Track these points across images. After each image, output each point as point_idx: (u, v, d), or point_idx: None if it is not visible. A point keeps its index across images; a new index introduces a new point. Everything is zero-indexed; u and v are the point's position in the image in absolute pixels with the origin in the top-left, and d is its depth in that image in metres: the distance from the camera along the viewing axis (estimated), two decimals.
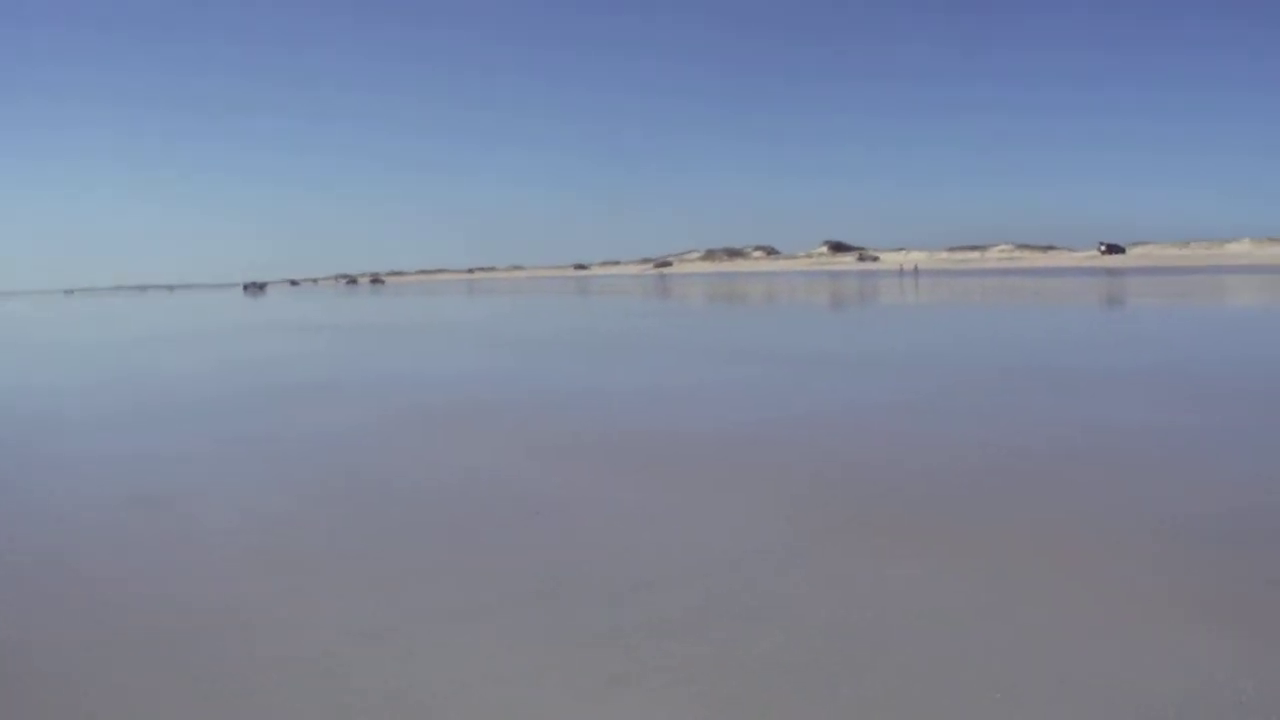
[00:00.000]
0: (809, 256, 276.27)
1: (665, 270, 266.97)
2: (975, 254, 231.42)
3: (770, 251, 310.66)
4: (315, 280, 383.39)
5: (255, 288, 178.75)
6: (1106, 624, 5.16)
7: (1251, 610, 5.35)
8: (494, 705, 4.37)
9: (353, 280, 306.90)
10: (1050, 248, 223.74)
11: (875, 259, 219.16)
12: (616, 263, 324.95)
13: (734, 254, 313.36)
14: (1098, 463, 9.29)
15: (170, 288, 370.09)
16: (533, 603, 5.76)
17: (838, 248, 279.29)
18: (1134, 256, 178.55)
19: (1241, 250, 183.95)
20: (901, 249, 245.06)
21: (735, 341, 27.99)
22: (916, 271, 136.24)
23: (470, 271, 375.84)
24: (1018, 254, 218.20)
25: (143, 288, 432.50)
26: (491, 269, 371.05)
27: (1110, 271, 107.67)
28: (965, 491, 8.32)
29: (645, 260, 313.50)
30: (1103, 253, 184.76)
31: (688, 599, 5.73)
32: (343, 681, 4.68)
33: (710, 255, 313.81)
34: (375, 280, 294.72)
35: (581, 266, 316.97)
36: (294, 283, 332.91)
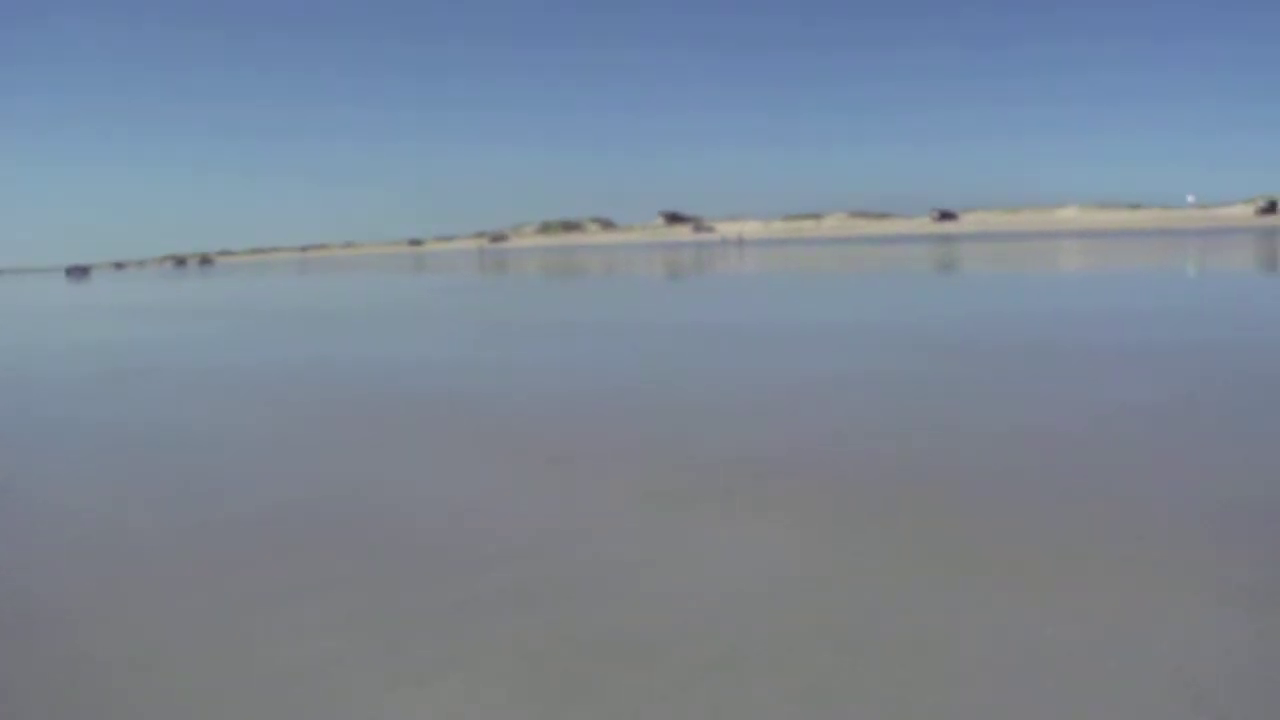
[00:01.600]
0: (645, 228, 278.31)
1: (500, 244, 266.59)
2: (811, 223, 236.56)
3: (606, 224, 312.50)
4: (141, 263, 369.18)
5: (79, 271, 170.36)
6: None
7: None
8: None
9: (181, 261, 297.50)
10: (886, 215, 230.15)
11: (711, 229, 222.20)
12: (451, 238, 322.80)
13: (570, 227, 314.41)
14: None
15: None
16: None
17: (674, 218, 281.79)
18: (967, 222, 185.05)
19: (1070, 215, 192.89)
20: (737, 219, 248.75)
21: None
22: (741, 241, 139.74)
23: (304, 250, 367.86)
24: (853, 222, 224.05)
25: None
26: (325, 247, 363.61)
27: (944, 238, 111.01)
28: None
29: (480, 234, 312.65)
30: (936, 220, 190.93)
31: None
32: None
33: (546, 228, 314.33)
34: (205, 261, 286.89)
35: (416, 243, 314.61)
36: (119, 265, 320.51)
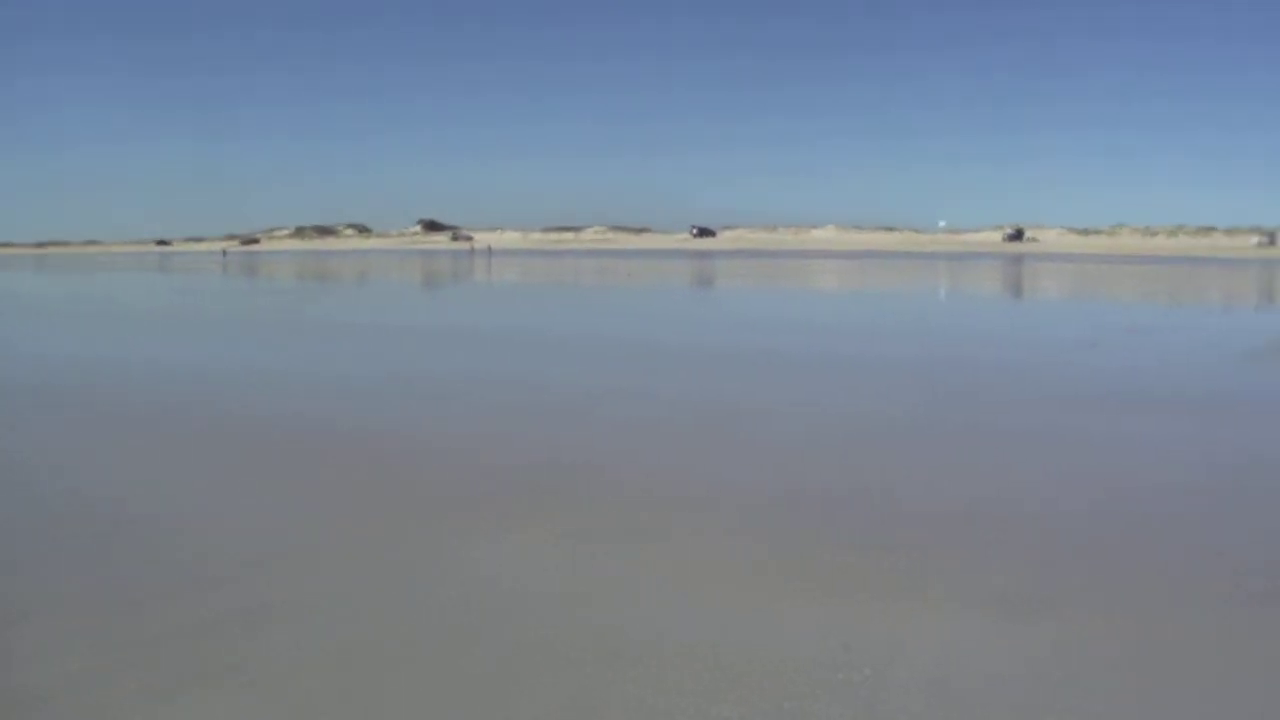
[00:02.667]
0: (402, 235, 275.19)
1: (250, 247, 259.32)
2: (570, 234, 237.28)
3: (363, 229, 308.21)
4: None
5: None
6: None
7: None
8: None
9: None
10: (645, 230, 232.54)
11: (470, 238, 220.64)
12: (201, 239, 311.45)
13: (325, 231, 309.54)
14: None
15: None
16: None
17: (432, 226, 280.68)
18: (725, 239, 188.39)
19: (826, 235, 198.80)
20: (497, 229, 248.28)
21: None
22: (489, 251, 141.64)
23: (41, 246, 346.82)
24: (611, 235, 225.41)
25: None
26: (65, 244, 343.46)
27: (700, 253, 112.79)
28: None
29: (232, 237, 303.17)
30: (695, 235, 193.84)
31: None
32: None
33: (300, 233, 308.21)
34: None
35: (164, 242, 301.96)
36: None
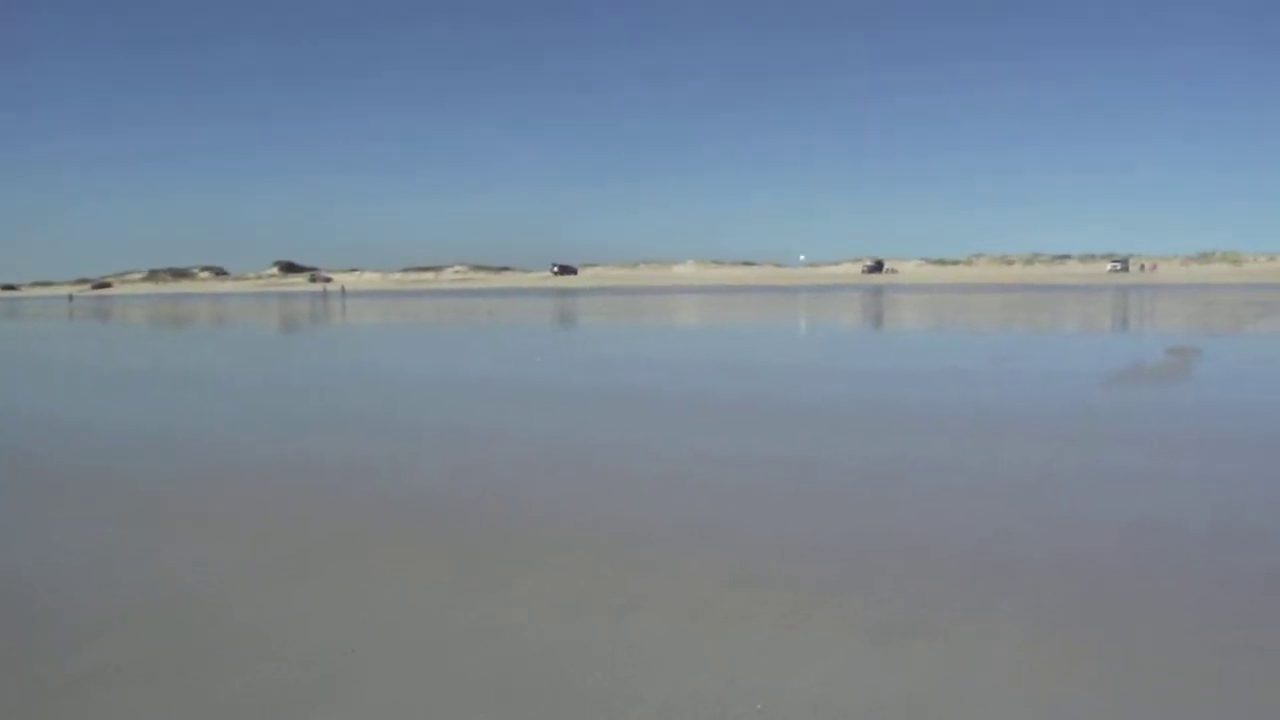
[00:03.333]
0: (260, 277, 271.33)
1: (103, 291, 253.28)
2: (430, 275, 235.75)
3: (219, 272, 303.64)
4: None
5: None
6: None
7: None
8: None
9: None
10: (505, 269, 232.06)
11: (329, 280, 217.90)
12: (50, 283, 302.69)
13: (180, 274, 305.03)
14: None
15: None
16: None
17: (290, 268, 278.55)
18: (586, 276, 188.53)
19: (687, 271, 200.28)
20: (356, 270, 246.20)
21: None
22: (343, 292, 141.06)
23: None
24: (472, 275, 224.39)
25: None
26: None
27: (560, 291, 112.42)
28: None
29: (83, 280, 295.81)
30: (555, 273, 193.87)
31: None
32: None
33: (154, 275, 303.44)
34: None
35: (10, 287, 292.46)
36: None
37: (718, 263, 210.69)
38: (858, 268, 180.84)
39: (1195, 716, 4.98)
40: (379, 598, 6.71)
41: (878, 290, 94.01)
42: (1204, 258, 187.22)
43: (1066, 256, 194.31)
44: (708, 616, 6.30)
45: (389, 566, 7.42)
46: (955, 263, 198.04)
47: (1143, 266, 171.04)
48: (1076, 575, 7.25)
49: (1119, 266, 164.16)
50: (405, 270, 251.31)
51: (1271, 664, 5.56)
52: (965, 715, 5.00)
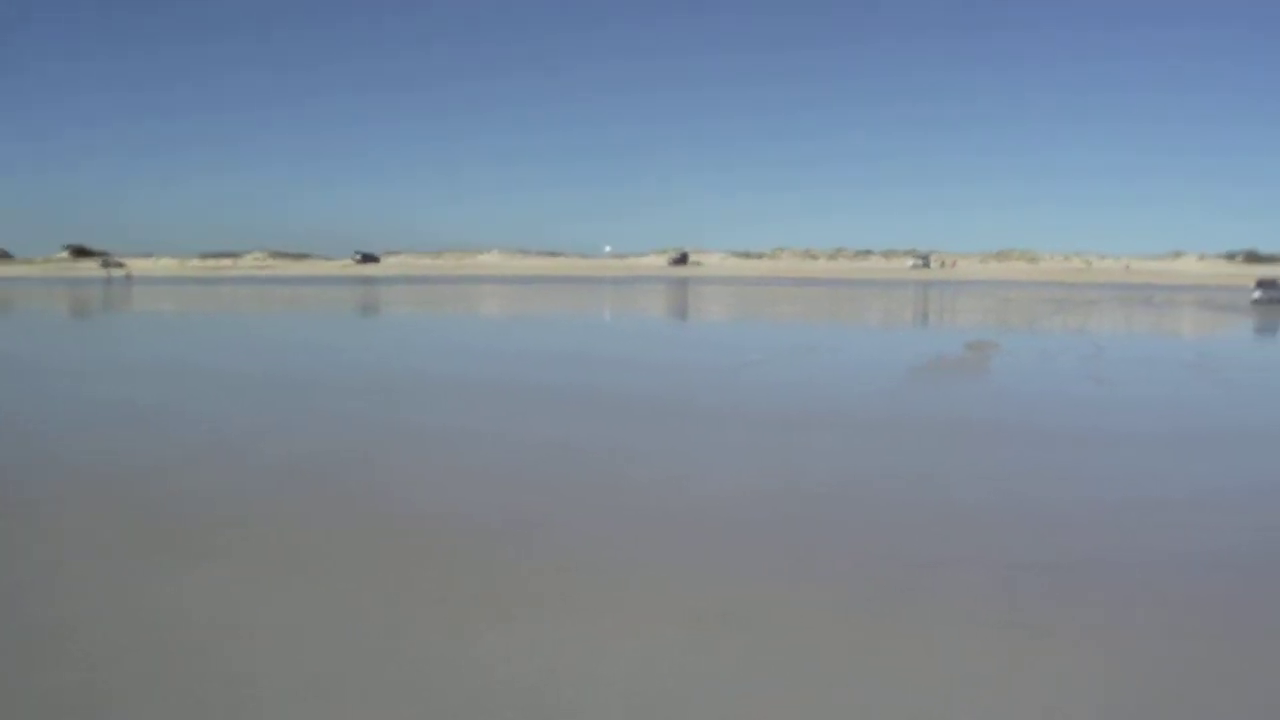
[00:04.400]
0: (48, 261, 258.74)
1: None
2: (229, 261, 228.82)
3: (3, 255, 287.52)
4: None
5: None
6: None
7: None
8: None
9: None
10: (306, 256, 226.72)
11: (121, 265, 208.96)
12: None
13: None
14: None
15: None
16: None
17: (81, 252, 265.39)
18: (389, 265, 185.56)
19: (491, 261, 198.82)
20: (152, 255, 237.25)
21: None
22: (129, 279, 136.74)
23: None
24: (272, 262, 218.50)
25: None
26: None
27: (362, 280, 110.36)
28: None
29: None
30: (358, 262, 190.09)
31: None
32: None
33: None
34: None
35: None
36: None
37: (524, 252, 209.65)
38: (663, 259, 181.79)
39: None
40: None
41: (682, 282, 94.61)
42: (1002, 255, 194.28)
43: (869, 252, 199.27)
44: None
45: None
46: (760, 256, 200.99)
47: (943, 263, 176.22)
48: (876, 557, 7.63)
49: (920, 263, 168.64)
50: (204, 256, 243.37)
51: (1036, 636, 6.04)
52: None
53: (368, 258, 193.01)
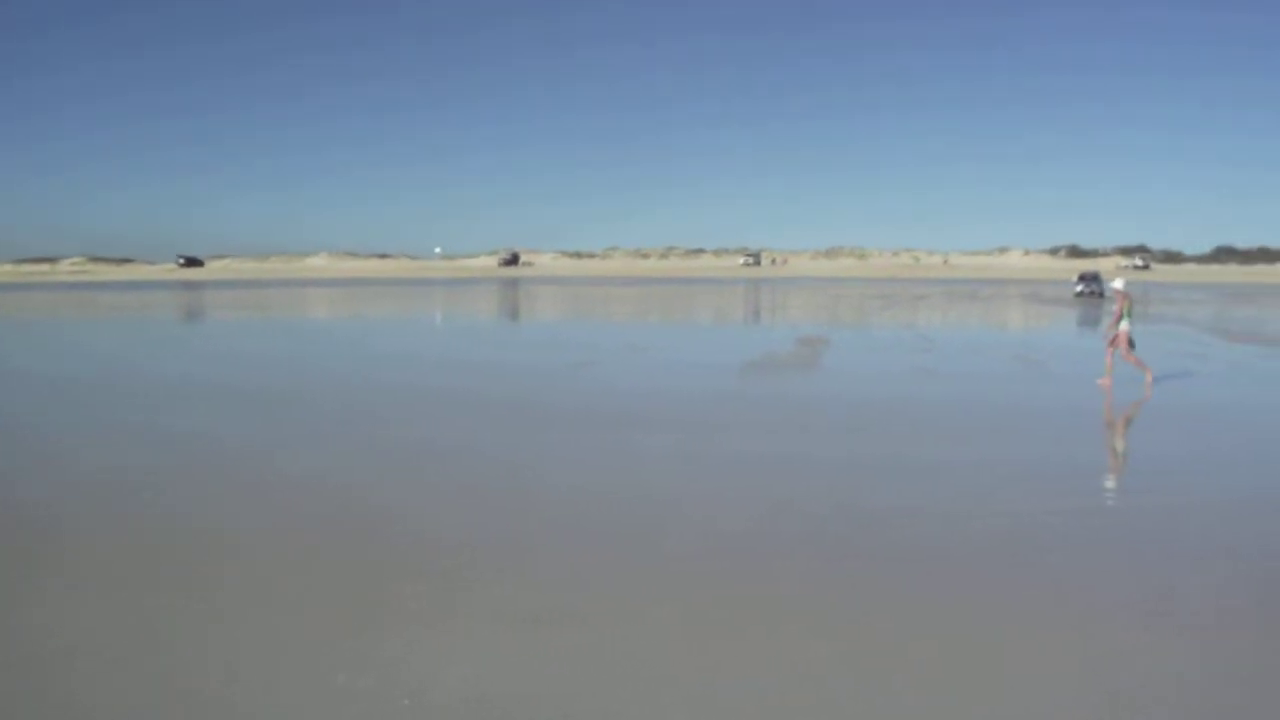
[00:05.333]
0: None
1: None
2: (46, 266, 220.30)
3: None
4: None
5: None
6: None
7: None
8: None
9: None
10: (128, 261, 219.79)
11: None
12: None
13: None
14: None
15: None
16: None
17: None
18: (215, 269, 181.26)
19: (320, 264, 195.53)
20: None
21: None
22: None
23: None
24: (92, 267, 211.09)
25: None
26: None
27: (187, 284, 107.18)
28: None
29: None
30: (182, 265, 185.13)
31: None
32: None
33: None
34: None
35: None
36: None
37: (353, 255, 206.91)
38: (494, 260, 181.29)
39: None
40: None
41: (513, 283, 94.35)
42: (832, 253, 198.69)
43: (701, 250, 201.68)
44: None
45: None
46: (592, 255, 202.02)
47: (774, 260, 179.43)
48: (710, 551, 7.57)
49: (751, 260, 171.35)
50: (18, 261, 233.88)
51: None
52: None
53: (192, 262, 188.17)
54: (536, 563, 7.46)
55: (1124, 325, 17.79)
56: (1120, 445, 13.14)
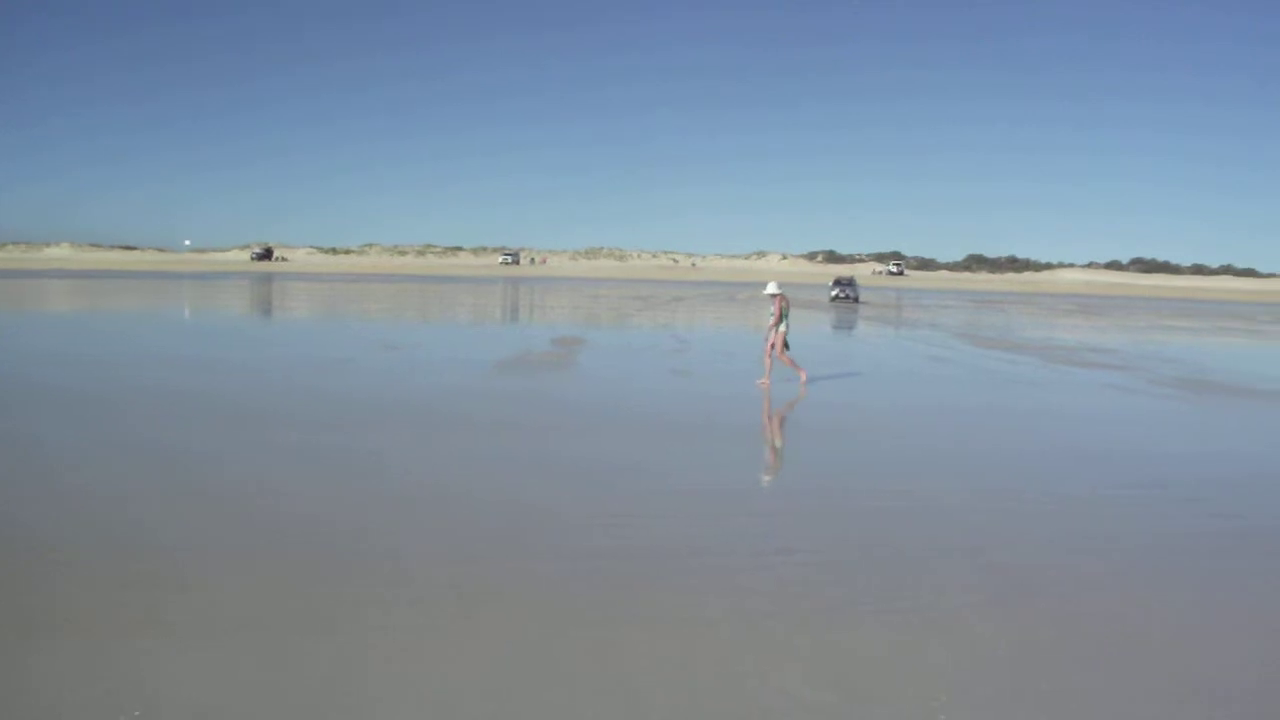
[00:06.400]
0: None
1: None
2: None
3: None
4: None
5: None
6: None
7: None
8: None
9: None
10: None
11: None
12: None
13: None
14: None
15: None
16: None
17: None
18: None
19: (61, 254, 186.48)
20: None
21: None
22: None
23: None
24: None
25: None
26: None
27: None
28: None
29: None
30: None
31: None
32: None
33: None
34: None
35: None
36: None
37: (95, 246, 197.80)
38: (246, 254, 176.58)
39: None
40: None
41: (267, 278, 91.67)
42: (592, 253, 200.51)
43: (459, 248, 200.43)
44: None
45: None
46: (348, 251, 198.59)
47: (533, 260, 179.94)
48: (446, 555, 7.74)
49: (510, 259, 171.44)
50: None
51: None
52: None
53: None
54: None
55: (781, 328, 18.46)
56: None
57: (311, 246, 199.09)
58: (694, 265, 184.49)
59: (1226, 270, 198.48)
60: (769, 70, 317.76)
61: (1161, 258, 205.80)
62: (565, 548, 7.99)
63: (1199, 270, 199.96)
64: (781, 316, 18.46)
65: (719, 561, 7.78)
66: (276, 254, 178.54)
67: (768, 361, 18.72)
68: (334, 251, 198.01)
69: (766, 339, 18.84)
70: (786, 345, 18.56)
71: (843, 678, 5.76)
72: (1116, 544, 8.64)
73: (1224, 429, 16.18)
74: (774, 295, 18.53)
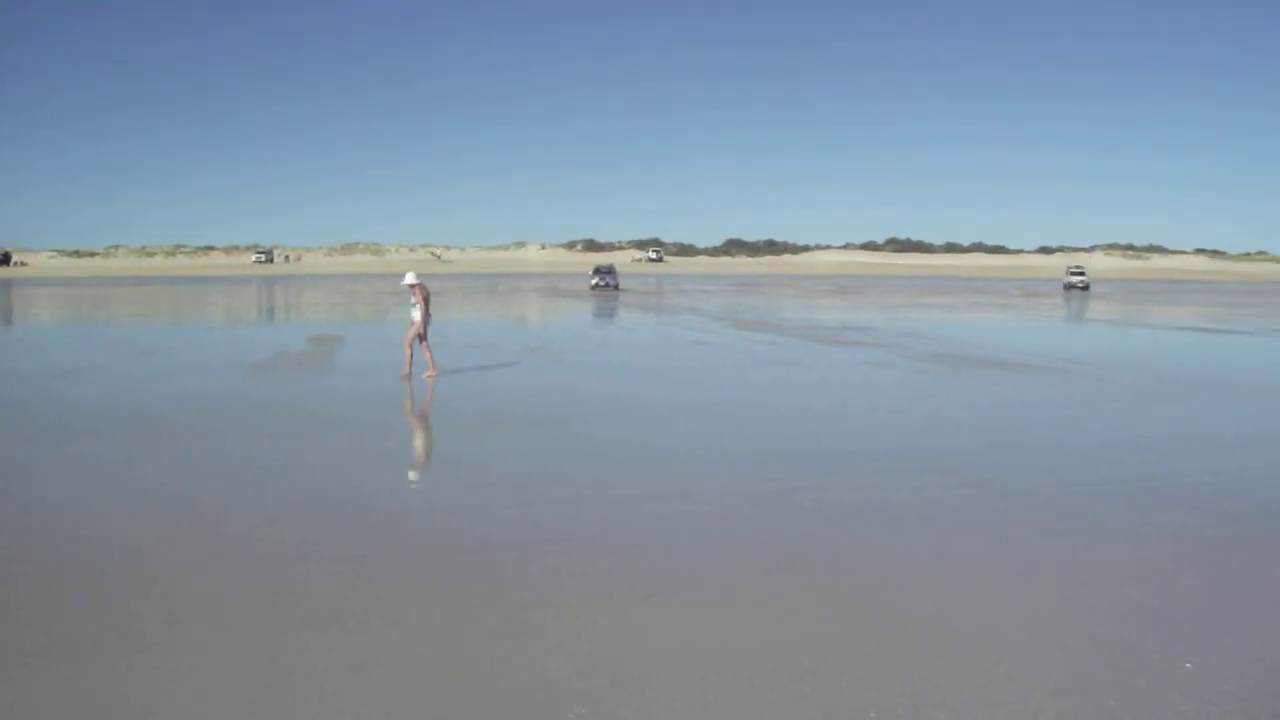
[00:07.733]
0: None
1: None
2: None
3: None
4: None
5: None
6: None
7: None
8: None
9: None
10: None
11: None
12: None
13: None
14: None
15: None
16: None
17: None
18: None
19: None
20: None
21: None
22: None
23: None
24: None
25: None
26: None
27: None
28: None
29: None
30: None
31: None
32: None
33: None
34: None
35: None
36: None
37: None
38: None
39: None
40: None
41: (5, 285, 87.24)
42: (348, 248, 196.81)
43: (211, 248, 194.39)
44: None
45: None
46: (93, 255, 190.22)
47: (287, 257, 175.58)
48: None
49: (263, 257, 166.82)
50: None
51: None
52: None
53: None
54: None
55: (417, 315, 18.62)
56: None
57: (53, 250, 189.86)
58: (437, 258, 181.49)
59: (978, 248, 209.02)
60: (531, 60, 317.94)
61: (915, 238, 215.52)
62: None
63: (952, 249, 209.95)
64: (426, 306, 18.59)
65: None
66: (15, 259, 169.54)
67: (407, 351, 18.87)
68: (79, 255, 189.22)
69: (412, 332, 18.87)
70: (422, 336, 18.68)
71: None
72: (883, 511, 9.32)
73: (975, 401, 16.97)
74: (412, 285, 18.68)
